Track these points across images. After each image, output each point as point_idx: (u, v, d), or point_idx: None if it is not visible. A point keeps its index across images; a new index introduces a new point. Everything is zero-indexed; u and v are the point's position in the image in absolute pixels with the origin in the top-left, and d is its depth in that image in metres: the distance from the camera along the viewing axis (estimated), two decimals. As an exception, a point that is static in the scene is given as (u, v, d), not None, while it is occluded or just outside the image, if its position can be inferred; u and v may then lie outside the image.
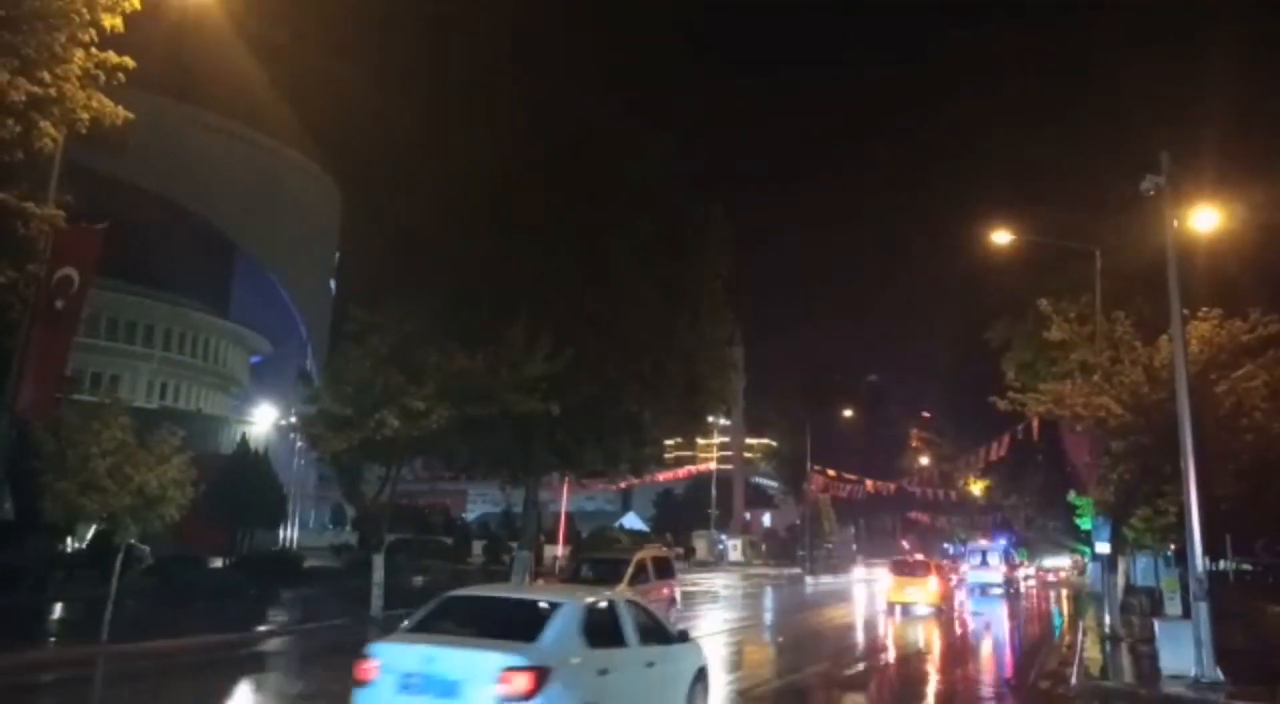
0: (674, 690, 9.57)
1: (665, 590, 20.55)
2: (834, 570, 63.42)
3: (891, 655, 19.93)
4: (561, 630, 7.97)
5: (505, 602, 9.37)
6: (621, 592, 12.96)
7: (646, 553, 21.61)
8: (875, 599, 35.94)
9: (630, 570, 19.14)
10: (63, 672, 14.29)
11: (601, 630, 8.44)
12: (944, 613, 29.06)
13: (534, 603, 8.68)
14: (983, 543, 47.13)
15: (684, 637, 10.17)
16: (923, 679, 16.78)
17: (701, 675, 10.20)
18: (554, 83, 27.27)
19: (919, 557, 39.96)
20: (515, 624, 8.06)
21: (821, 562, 66.11)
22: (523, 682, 7.21)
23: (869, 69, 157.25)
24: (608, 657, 8.35)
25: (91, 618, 16.12)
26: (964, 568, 43.28)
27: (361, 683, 7.83)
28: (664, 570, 21.16)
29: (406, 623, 8.82)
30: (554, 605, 8.36)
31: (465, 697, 7.32)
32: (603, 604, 9.03)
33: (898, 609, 29.12)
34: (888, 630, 24.80)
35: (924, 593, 29.14)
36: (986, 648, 23.03)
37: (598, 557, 23.83)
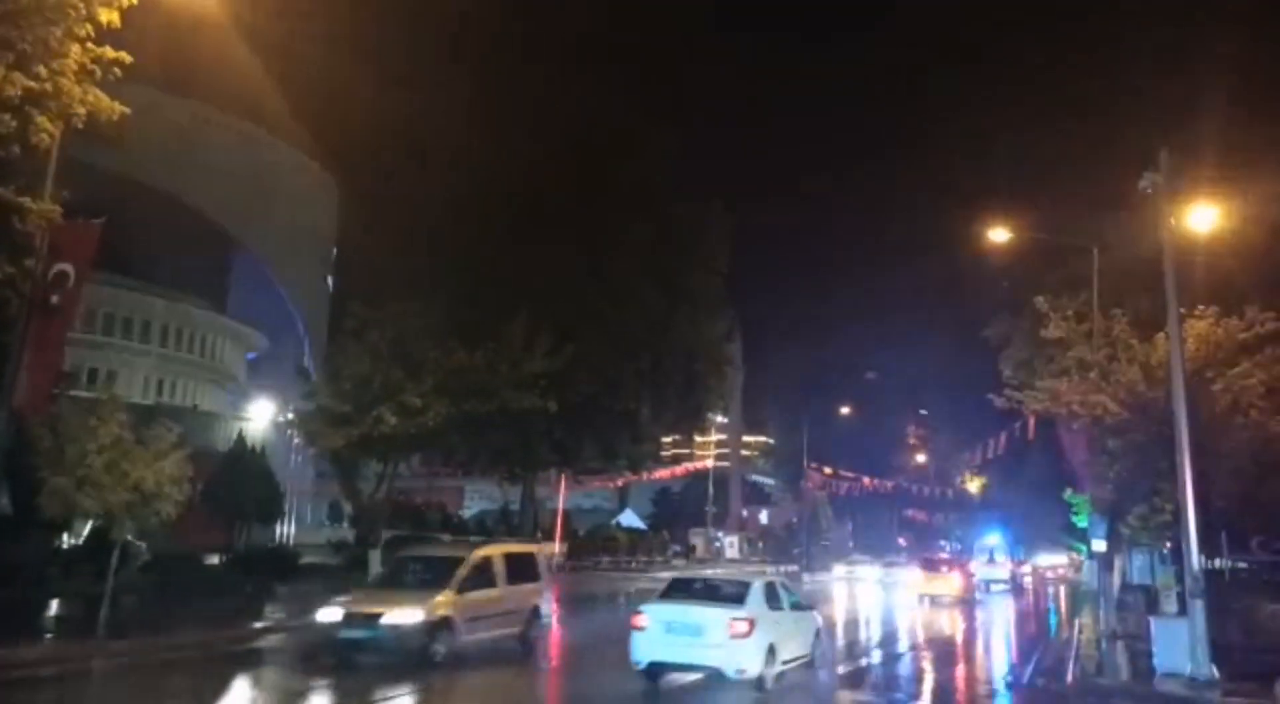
0: (806, 637, 15.19)
1: (524, 599, 16.58)
2: (831, 567, 63.53)
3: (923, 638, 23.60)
4: (755, 598, 13.60)
5: (716, 580, 15.50)
6: (447, 600, 14.78)
7: (494, 550, 17.03)
8: (871, 595, 36.24)
9: (462, 573, 15.27)
10: (59, 668, 14.27)
11: (772, 598, 14.15)
12: (966, 604, 32.58)
13: (737, 581, 14.97)
14: (990, 542, 48.84)
15: (810, 607, 16.23)
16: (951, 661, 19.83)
17: (818, 630, 15.98)
18: (553, 80, 27.29)
19: (943, 556, 44.66)
20: (727, 594, 13.74)
21: (819, 558, 66.21)
22: (743, 626, 12.86)
23: (866, 63, 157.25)
24: (777, 614, 14.03)
25: (88, 615, 16.11)
26: (972, 565, 44.75)
27: (638, 629, 13.14)
28: (523, 572, 16.97)
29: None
30: (748, 584, 14.23)
31: (708, 636, 12.84)
32: (773, 582, 15.27)
33: (925, 599, 33.14)
34: (920, 619, 27.70)
35: (949, 586, 33.64)
36: (1000, 633, 26.96)
37: (423, 555, 18.33)
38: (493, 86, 26.45)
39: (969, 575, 36.43)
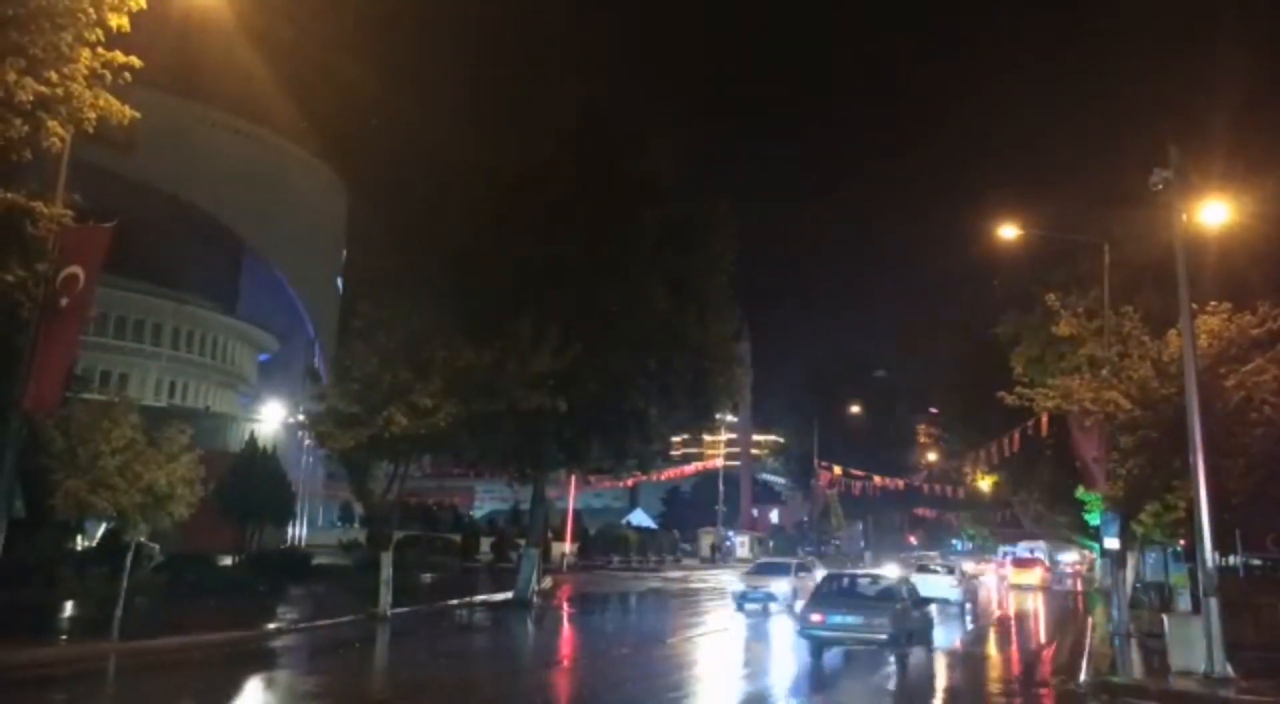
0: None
1: None
2: (841, 566, 63.36)
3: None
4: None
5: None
6: None
7: None
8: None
9: None
10: (74, 669, 14.36)
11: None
12: (1044, 591, 44.37)
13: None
14: (1028, 546, 57.19)
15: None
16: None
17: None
18: (559, 78, 27.29)
19: (1029, 555, 54.00)
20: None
21: (830, 558, 66.07)
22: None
23: (877, 62, 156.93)
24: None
25: (102, 615, 16.19)
26: (1008, 566, 53.82)
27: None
28: None
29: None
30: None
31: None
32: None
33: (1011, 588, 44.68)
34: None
35: (1033, 577, 47.57)
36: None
37: None
38: (501, 86, 26.48)
39: (1047, 570, 50.19)
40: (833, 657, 17.56)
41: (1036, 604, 38.02)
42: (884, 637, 16.34)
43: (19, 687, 12.78)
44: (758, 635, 22.10)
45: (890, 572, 25.85)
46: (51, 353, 14.54)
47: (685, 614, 28.42)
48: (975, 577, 39.82)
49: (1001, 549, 64.11)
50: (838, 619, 16.73)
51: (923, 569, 32.71)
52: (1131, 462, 20.27)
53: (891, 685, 15.63)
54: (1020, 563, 51.02)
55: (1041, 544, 57.57)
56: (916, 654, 17.68)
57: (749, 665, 17.96)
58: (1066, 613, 34.62)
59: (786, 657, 18.51)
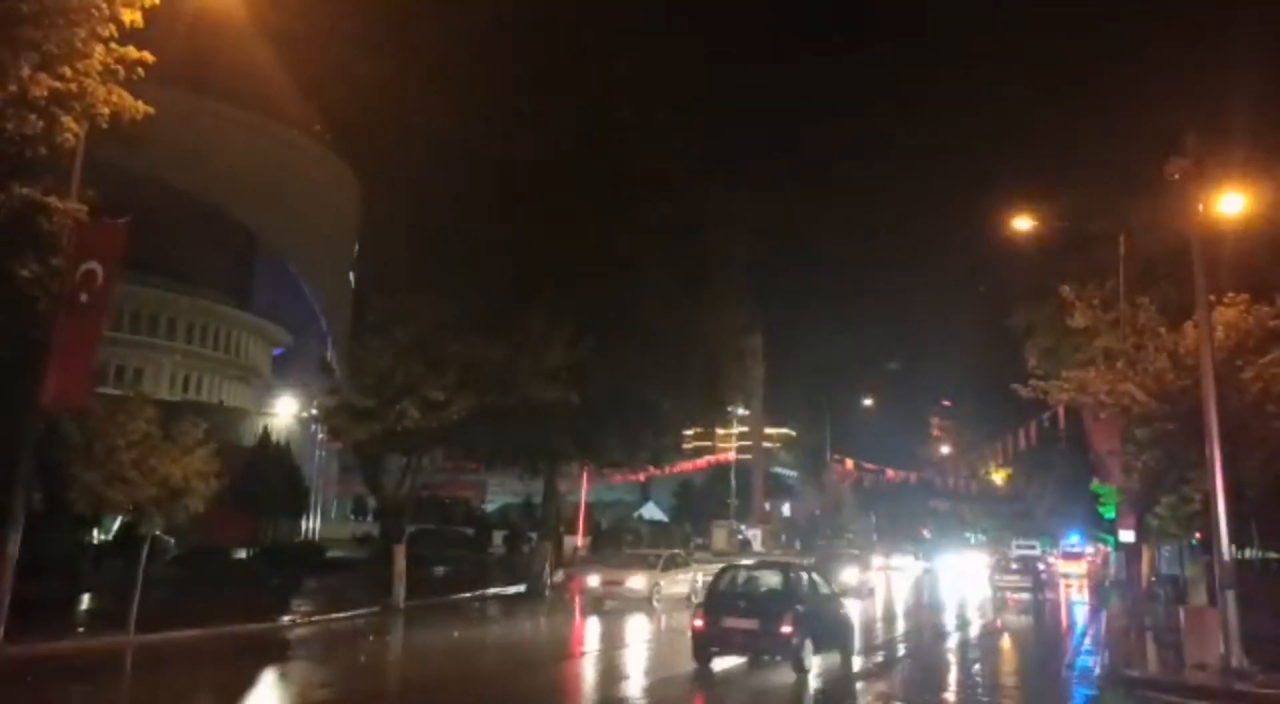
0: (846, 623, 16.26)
1: None
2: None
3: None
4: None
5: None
6: None
7: None
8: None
9: None
10: (91, 661, 14.48)
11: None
12: (1090, 577, 49.47)
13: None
14: (1075, 542, 58.89)
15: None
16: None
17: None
18: (571, 71, 27.20)
19: (1076, 550, 56.55)
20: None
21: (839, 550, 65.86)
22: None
23: (888, 49, 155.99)
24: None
25: (119, 608, 16.31)
26: (1053, 560, 56.23)
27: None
28: None
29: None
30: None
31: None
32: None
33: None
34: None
35: (1080, 568, 52.48)
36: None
37: None
38: (513, 79, 26.38)
39: (1092, 562, 54.55)
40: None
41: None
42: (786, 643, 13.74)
43: (37, 679, 12.90)
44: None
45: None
46: (75, 349, 14.58)
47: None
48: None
49: (1014, 543, 65.05)
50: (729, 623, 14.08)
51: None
52: (1147, 454, 20.14)
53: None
54: (1070, 556, 55.92)
55: (1078, 540, 60.18)
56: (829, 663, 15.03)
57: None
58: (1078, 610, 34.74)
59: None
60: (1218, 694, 13.56)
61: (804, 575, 15.81)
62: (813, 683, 13.79)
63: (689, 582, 26.62)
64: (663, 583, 25.41)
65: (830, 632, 15.13)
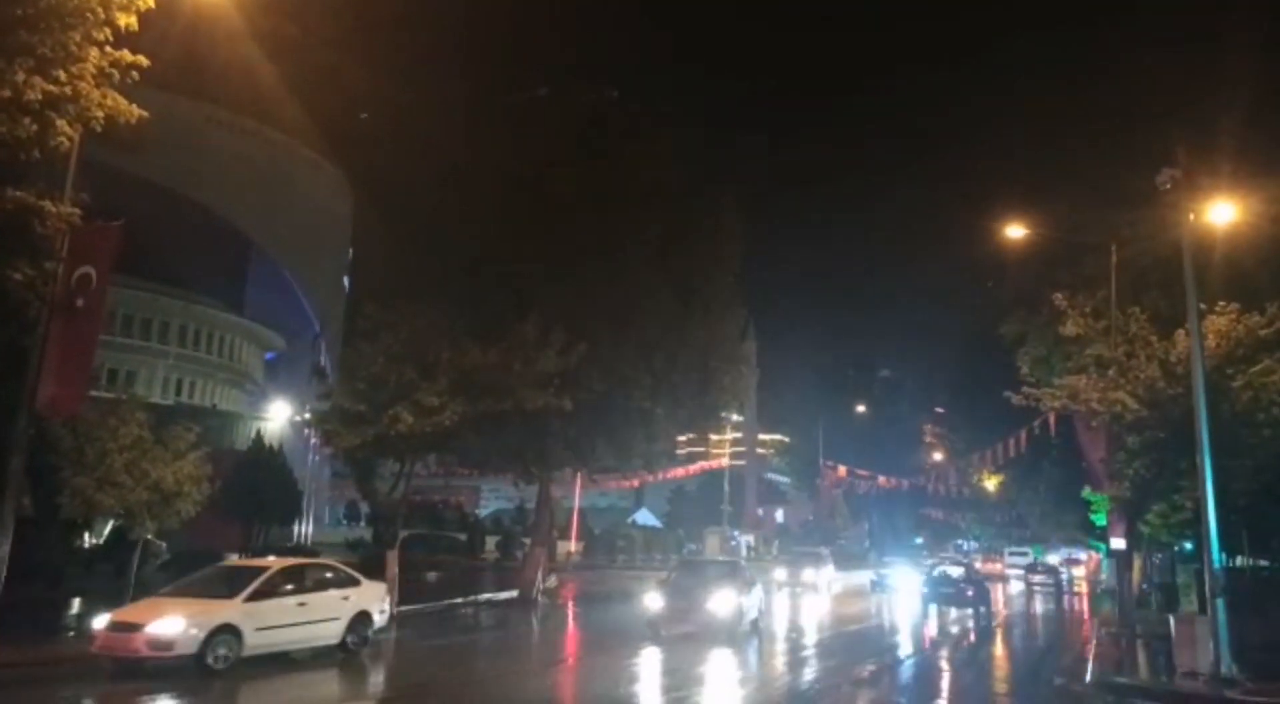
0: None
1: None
2: (847, 567, 63.43)
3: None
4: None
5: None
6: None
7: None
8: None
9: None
10: (80, 667, 14.39)
11: None
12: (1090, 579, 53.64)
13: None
14: (1076, 549, 60.69)
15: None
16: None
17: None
18: (564, 79, 27.31)
19: (1081, 556, 58.74)
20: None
21: (836, 557, 65.90)
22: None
23: (882, 63, 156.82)
24: None
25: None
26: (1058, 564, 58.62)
27: None
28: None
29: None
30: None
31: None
32: None
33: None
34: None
35: (1084, 570, 56.94)
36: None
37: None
38: (506, 87, 26.48)
39: (1095, 562, 54.74)
40: None
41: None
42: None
43: (25, 685, 12.83)
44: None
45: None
46: (71, 354, 14.42)
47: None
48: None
49: (1007, 550, 66.64)
50: None
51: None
52: (1138, 462, 20.21)
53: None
54: (1073, 562, 59.46)
55: (1026, 549, 63.72)
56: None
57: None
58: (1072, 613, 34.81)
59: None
60: (1208, 701, 13.61)
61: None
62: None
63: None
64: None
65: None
